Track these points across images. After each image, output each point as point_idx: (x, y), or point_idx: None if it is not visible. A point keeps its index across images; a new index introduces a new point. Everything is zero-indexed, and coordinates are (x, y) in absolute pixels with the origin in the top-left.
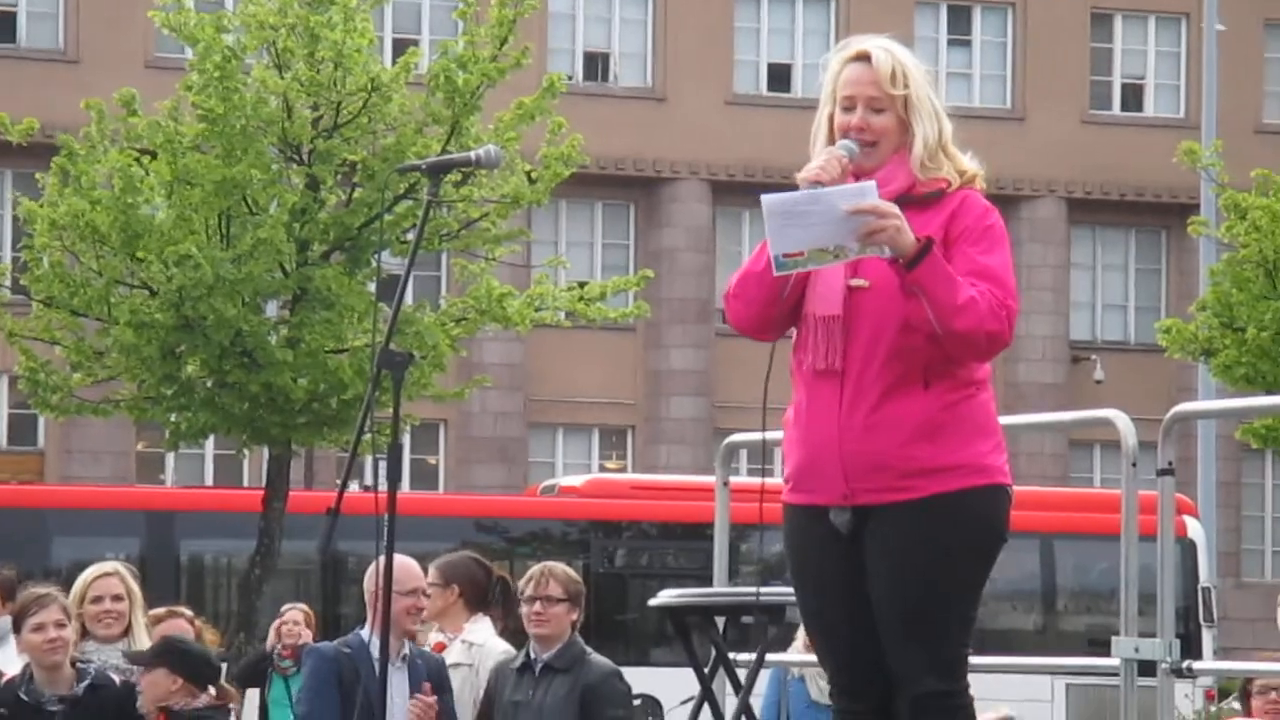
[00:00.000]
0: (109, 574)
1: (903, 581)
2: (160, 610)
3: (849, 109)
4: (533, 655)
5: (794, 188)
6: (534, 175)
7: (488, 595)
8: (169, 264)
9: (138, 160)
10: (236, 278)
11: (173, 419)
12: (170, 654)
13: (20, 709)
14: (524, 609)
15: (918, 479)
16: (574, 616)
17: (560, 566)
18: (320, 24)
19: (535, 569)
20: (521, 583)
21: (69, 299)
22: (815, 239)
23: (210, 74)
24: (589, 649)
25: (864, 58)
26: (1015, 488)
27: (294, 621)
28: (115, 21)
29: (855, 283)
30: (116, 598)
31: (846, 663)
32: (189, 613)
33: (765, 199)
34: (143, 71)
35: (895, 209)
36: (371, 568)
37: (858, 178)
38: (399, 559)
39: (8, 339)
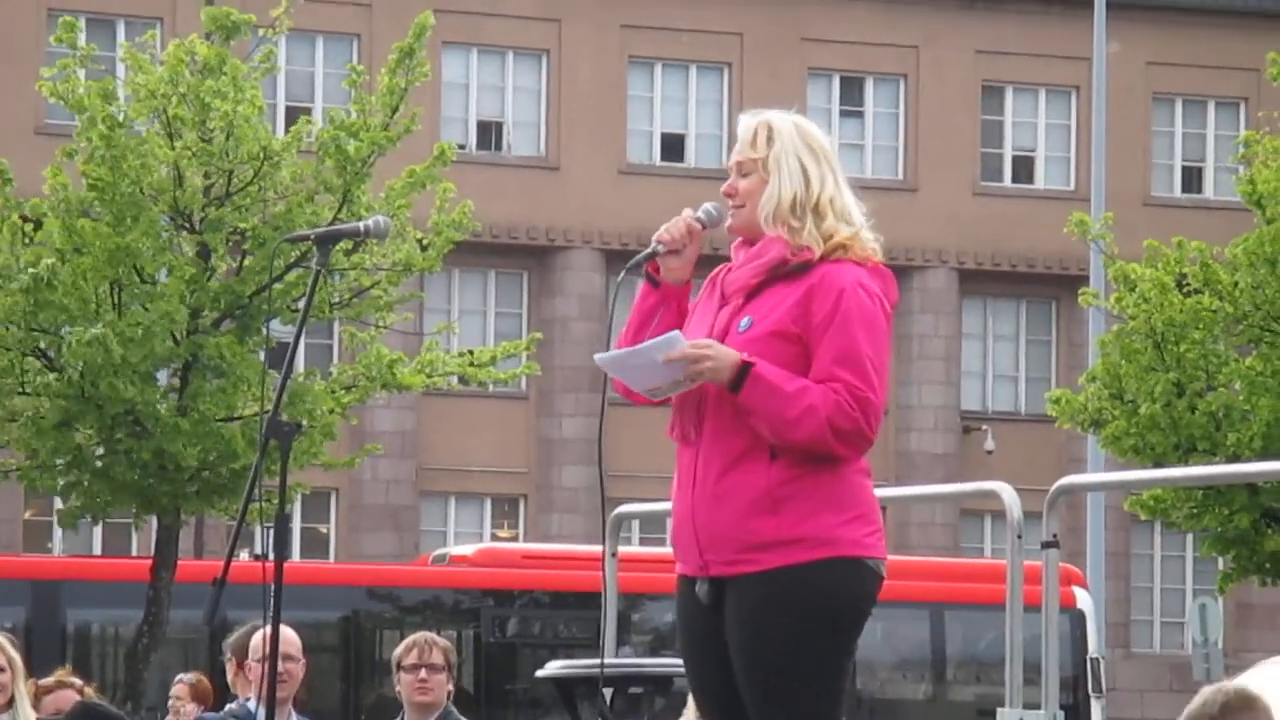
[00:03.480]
0: None
1: (753, 654)
2: (49, 680)
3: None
4: None
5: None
6: (425, 243)
7: None
8: (73, 344)
9: (23, 230)
10: (138, 355)
11: (63, 485)
12: (92, 719)
13: None
14: (403, 677)
15: (759, 552)
16: (450, 686)
17: (438, 636)
18: (211, 92)
19: (415, 637)
20: (399, 651)
21: None
22: (658, 379)
23: (95, 143)
24: (463, 718)
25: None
26: (905, 557)
27: (176, 696)
28: (4, 87)
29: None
30: None
31: None
32: (78, 682)
33: (598, 359)
34: (32, 138)
35: (705, 349)
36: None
37: (751, 243)
38: (246, 632)
39: None
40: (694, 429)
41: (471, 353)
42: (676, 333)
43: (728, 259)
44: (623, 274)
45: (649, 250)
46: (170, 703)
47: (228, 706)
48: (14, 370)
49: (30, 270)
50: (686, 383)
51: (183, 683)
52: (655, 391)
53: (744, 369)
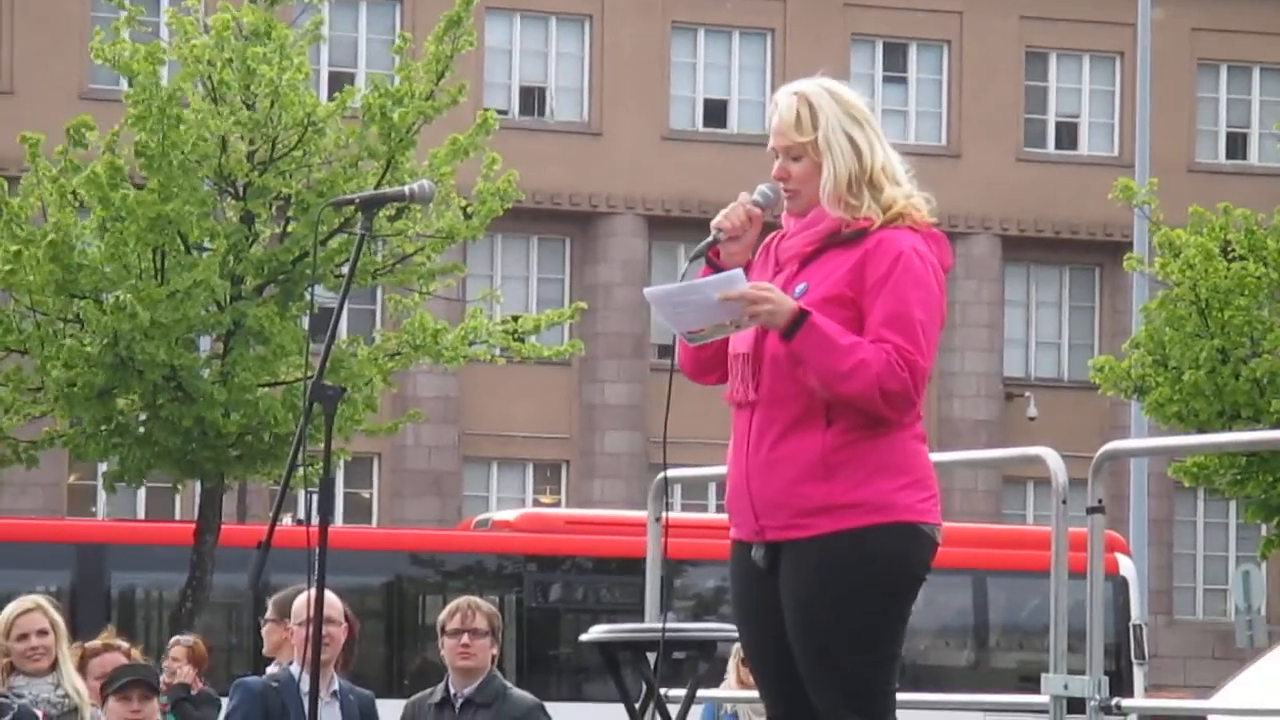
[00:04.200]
0: (31, 609)
1: (807, 619)
2: (96, 643)
3: (776, 157)
4: (452, 690)
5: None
6: (470, 211)
7: None
8: (106, 310)
9: (73, 192)
10: (173, 319)
11: (109, 455)
12: (155, 682)
13: None
14: (447, 642)
15: (813, 517)
16: (495, 651)
17: (483, 600)
18: (256, 57)
19: (459, 602)
20: (443, 616)
21: (2, 336)
22: (706, 319)
23: (151, 114)
24: (508, 683)
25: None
26: (947, 524)
27: (173, 658)
28: (50, 53)
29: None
30: (41, 632)
31: (779, 694)
32: (125, 645)
33: (647, 292)
34: (77, 103)
35: (766, 290)
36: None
37: (801, 217)
38: (293, 592)
39: None
40: (751, 392)
41: (515, 319)
42: (738, 271)
43: (779, 227)
44: (686, 264)
45: (710, 239)
46: (166, 663)
47: (269, 670)
48: (54, 338)
49: (49, 238)
50: (731, 327)
51: (180, 644)
52: (697, 335)
53: (800, 316)
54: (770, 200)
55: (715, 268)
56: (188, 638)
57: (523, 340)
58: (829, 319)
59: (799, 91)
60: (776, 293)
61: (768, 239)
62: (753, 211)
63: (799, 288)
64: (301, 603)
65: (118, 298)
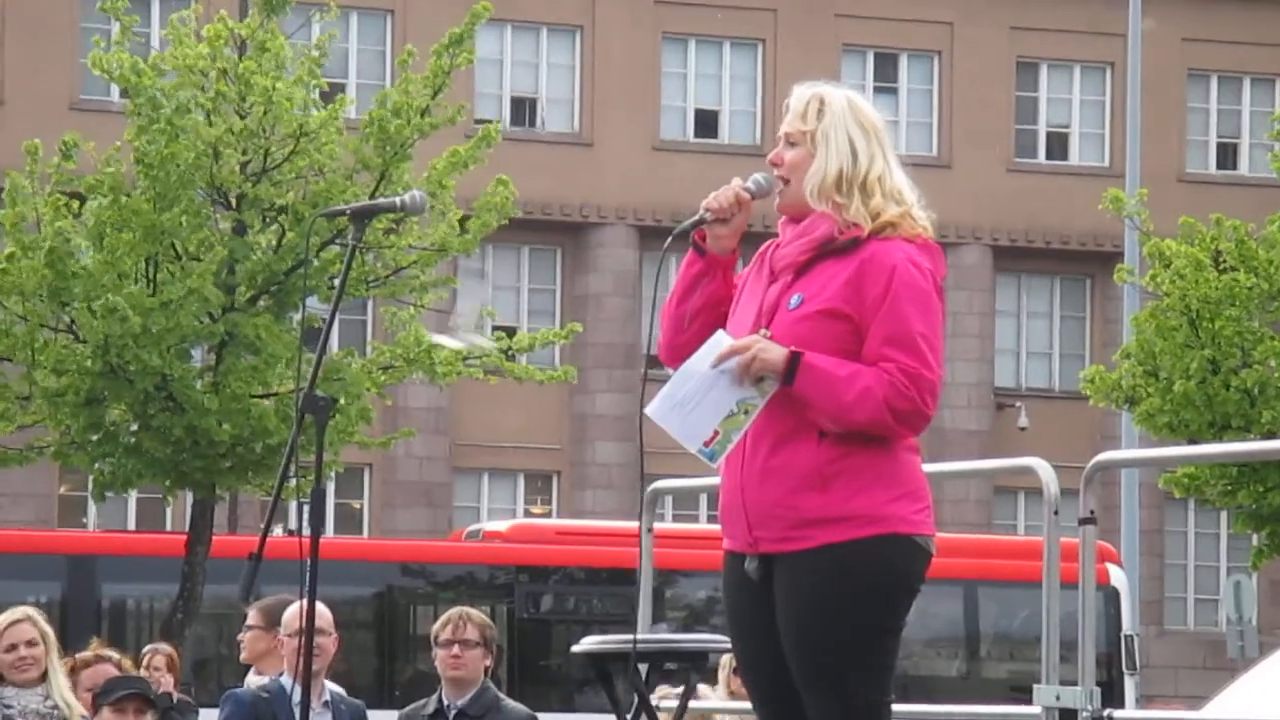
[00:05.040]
0: (20, 620)
1: (802, 631)
2: (88, 654)
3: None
4: (445, 702)
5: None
6: (466, 225)
7: None
8: (97, 314)
9: (67, 204)
10: (164, 328)
11: (97, 467)
12: (150, 696)
13: None
14: (439, 652)
15: (808, 529)
16: (488, 662)
17: (475, 611)
18: (251, 69)
19: (451, 613)
20: (436, 627)
21: None
22: (713, 411)
23: (157, 122)
24: (501, 695)
25: None
26: (938, 534)
27: (155, 667)
28: (41, 63)
29: (762, 333)
30: (30, 643)
31: (772, 706)
32: (116, 656)
33: (649, 413)
34: (68, 114)
35: (750, 338)
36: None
37: (798, 220)
38: (280, 602)
39: None
40: None
41: (510, 336)
42: (719, 332)
43: (778, 235)
44: (669, 241)
45: (696, 218)
46: (147, 673)
47: (249, 678)
48: (46, 346)
49: (48, 244)
50: (741, 415)
51: (160, 653)
52: (717, 444)
53: (794, 360)
54: (763, 189)
55: (699, 249)
56: (165, 646)
57: (514, 359)
58: (825, 334)
59: (818, 90)
60: (760, 339)
61: (763, 248)
62: (742, 196)
63: (794, 299)
64: (292, 613)
65: (107, 299)
